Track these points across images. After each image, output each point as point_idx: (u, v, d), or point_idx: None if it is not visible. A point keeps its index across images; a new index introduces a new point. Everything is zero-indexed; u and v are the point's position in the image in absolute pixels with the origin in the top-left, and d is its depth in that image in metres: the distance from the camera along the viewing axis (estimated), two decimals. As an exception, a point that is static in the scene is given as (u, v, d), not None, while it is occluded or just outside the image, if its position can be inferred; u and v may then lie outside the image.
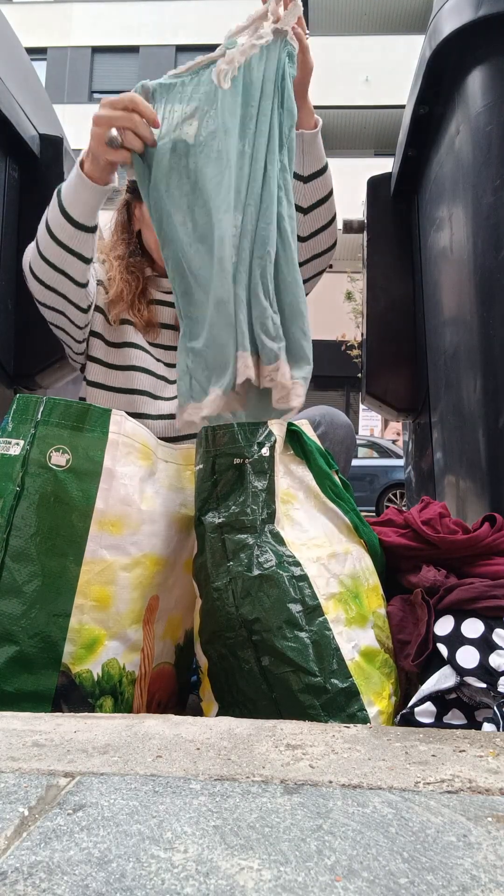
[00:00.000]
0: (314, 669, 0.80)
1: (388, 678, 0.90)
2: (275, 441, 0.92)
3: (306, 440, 0.97)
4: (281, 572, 0.84)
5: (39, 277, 1.22)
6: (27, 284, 1.27)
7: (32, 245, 1.23)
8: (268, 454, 0.91)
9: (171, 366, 1.34)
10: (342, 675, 0.82)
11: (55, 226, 1.17)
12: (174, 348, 1.33)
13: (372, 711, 0.83)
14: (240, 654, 0.83)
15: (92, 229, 1.19)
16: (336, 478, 1.00)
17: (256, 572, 0.84)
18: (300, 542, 0.89)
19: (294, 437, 0.97)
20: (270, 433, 0.93)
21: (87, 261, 1.22)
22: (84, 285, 1.25)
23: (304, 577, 0.85)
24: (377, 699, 0.85)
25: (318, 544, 0.91)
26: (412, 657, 0.90)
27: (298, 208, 1.24)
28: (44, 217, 1.21)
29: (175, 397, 1.27)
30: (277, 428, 0.94)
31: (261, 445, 0.91)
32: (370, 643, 0.89)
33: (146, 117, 1.07)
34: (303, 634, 0.82)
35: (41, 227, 1.20)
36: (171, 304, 1.37)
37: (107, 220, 1.47)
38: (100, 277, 1.38)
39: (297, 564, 0.85)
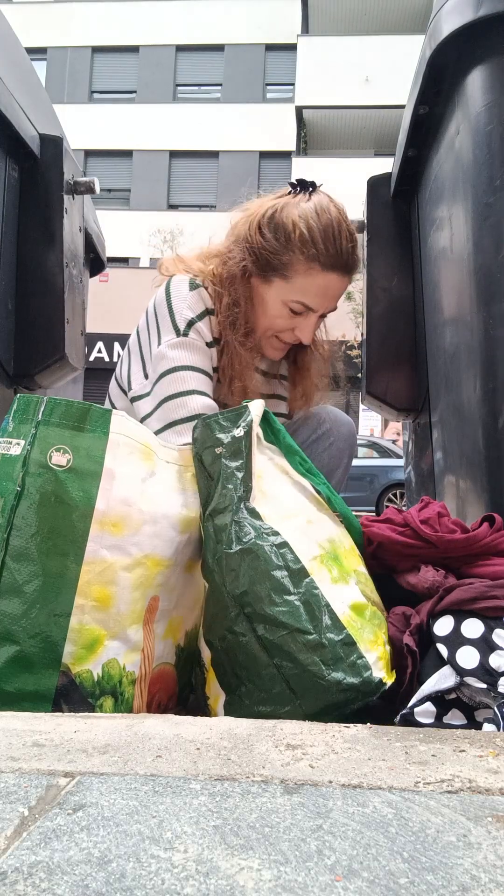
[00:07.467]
0: (308, 628, 0.82)
1: (380, 628, 0.92)
2: (251, 421, 0.95)
3: (272, 419, 1.01)
4: (260, 542, 0.86)
5: None
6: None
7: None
8: (241, 434, 0.94)
9: None
10: (336, 629, 0.84)
11: None
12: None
13: (371, 658, 0.85)
14: (237, 629, 0.85)
15: None
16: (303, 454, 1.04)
17: (237, 547, 0.87)
18: (277, 516, 0.92)
19: (263, 416, 1.00)
20: (247, 414, 0.96)
21: None
22: None
23: (285, 544, 0.87)
24: (373, 647, 0.87)
25: (293, 514, 0.94)
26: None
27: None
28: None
29: None
30: (254, 408, 0.97)
31: (236, 427, 0.95)
32: (356, 598, 0.91)
33: None
34: (291, 598, 0.84)
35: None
36: (264, 373, 1.45)
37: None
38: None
39: (276, 534, 0.88)
